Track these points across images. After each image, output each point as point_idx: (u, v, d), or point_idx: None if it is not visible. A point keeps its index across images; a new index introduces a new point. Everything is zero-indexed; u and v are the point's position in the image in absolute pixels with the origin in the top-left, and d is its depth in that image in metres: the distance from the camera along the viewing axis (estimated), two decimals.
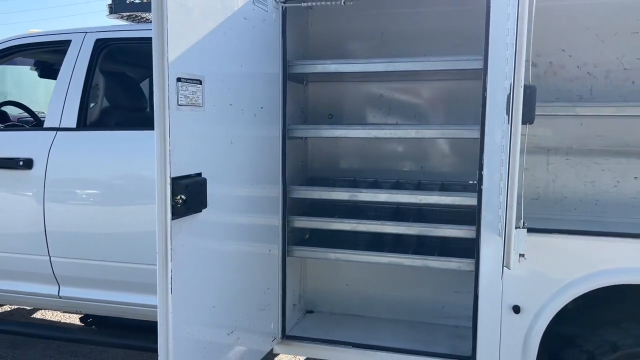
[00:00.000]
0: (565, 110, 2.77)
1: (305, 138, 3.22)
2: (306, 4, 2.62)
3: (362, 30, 3.18)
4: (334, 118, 3.30)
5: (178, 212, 1.78)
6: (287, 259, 2.90)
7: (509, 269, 1.78)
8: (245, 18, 2.21)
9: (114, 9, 3.72)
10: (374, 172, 3.28)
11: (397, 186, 3.10)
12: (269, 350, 2.70)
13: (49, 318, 4.63)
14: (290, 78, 2.85)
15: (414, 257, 2.71)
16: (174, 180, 1.76)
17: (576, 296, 2.40)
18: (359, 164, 3.32)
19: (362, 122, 3.22)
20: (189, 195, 1.80)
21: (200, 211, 1.93)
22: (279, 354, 3.32)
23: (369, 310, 3.32)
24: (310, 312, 3.39)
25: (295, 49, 2.97)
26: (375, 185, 3.18)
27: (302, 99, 3.20)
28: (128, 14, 3.75)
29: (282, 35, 2.64)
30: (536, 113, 2.74)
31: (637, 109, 2.60)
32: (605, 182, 2.89)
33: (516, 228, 1.78)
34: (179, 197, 1.76)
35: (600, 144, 2.89)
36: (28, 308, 4.64)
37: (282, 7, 2.61)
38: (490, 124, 2.22)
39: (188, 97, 1.82)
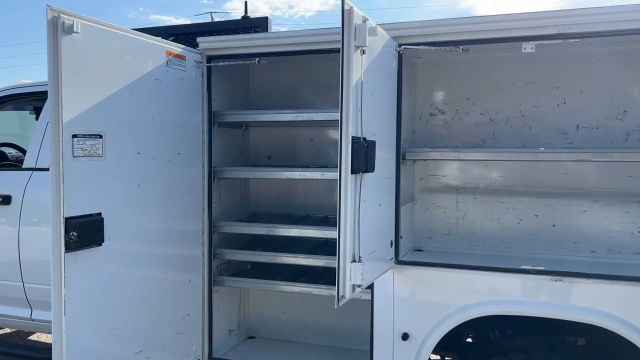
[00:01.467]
0: (471, 155, 3.02)
1: (245, 178, 3.56)
2: (224, 63, 2.99)
3: (295, 81, 3.54)
4: (272, 159, 3.64)
5: (71, 246, 2.14)
6: (219, 288, 3.23)
7: (345, 298, 2.04)
8: (156, 79, 2.59)
9: None
10: (307, 208, 3.58)
11: (322, 221, 3.39)
12: None
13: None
14: (224, 125, 3.22)
15: (321, 287, 2.99)
16: (68, 220, 2.12)
17: (456, 324, 2.62)
18: (295, 200, 3.63)
19: (293, 164, 3.53)
20: (82, 232, 2.15)
21: (100, 245, 2.28)
22: None
23: (303, 336, 3.58)
24: (252, 337, 3.67)
25: (233, 98, 3.35)
26: (305, 220, 3.47)
27: (241, 142, 3.56)
28: None
29: (208, 89, 3.02)
30: (447, 158, 3.05)
31: (533, 154, 2.82)
32: (509, 219, 3.11)
33: (352, 262, 2.05)
34: (71, 233, 2.12)
35: (503, 185, 3.12)
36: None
37: (206, 66, 2.99)
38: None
39: (86, 149, 2.19)
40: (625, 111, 2.89)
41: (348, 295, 2.04)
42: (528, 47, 2.52)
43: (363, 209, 2.15)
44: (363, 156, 2.05)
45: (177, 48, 2.76)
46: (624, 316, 2.38)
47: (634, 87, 2.87)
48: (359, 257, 2.08)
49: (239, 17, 3.68)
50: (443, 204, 3.23)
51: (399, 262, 2.72)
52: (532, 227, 3.07)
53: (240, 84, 3.45)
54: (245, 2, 3.55)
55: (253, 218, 3.62)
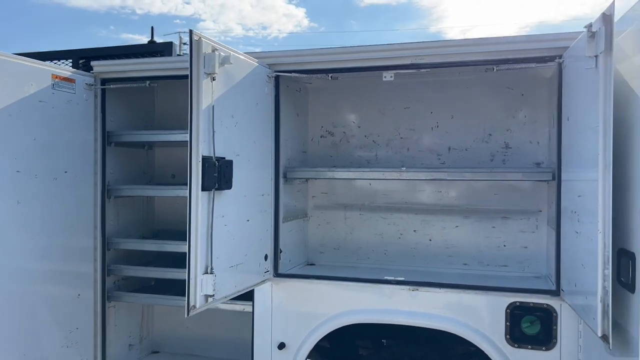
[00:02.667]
0: (356, 175, 3.21)
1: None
2: (116, 86, 3.13)
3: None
4: (176, 177, 3.77)
5: None
6: (116, 303, 3.33)
7: (196, 307, 2.18)
8: (40, 101, 2.72)
9: None
10: None
11: None
12: None
13: None
14: (122, 145, 3.35)
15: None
16: None
17: (326, 333, 2.78)
18: None
19: None
20: None
21: None
22: None
23: (206, 350, 3.68)
24: (156, 352, 3.76)
25: (135, 119, 3.48)
26: None
27: (145, 162, 3.69)
28: None
29: (102, 110, 3.15)
30: (337, 177, 3.22)
31: (413, 174, 3.02)
32: (391, 234, 3.31)
33: (204, 274, 2.20)
34: None
35: (385, 202, 3.33)
36: None
37: (100, 88, 3.13)
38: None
39: None
40: (490, 134, 3.14)
41: (199, 304, 2.18)
42: (387, 76, 2.74)
43: (221, 223, 2.31)
44: (215, 174, 2.21)
45: (65, 71, 2.89)
46: (470, 322, 2.58)
47: (498, 112, 3.13)
48: (212, 269, 2.22)
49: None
50: (333, 220, 3.42)
51: (277, 275, 2.88)
52: (411, 242, 3.28)
53: (143, 105, 3.59)
54: (152, 28, 3.72)
55: (157, 235, 3.73)
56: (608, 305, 1.80)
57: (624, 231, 1.93)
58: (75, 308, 2.99)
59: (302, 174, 3.19)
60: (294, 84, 3.11)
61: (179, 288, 3.34)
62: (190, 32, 2.13)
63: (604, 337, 1.82)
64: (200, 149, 2.16)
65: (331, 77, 2.83)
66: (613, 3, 1.80)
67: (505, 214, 3.11)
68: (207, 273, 2.20)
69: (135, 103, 3.39)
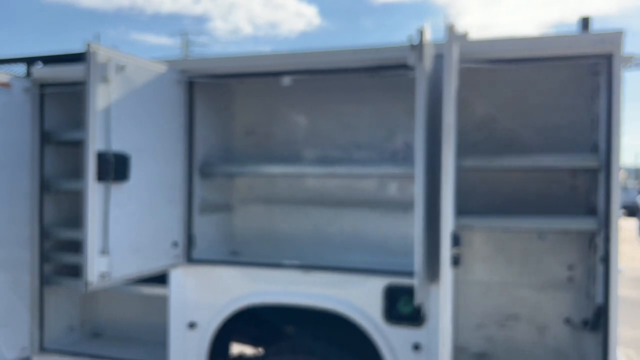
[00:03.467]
0: (275, 170, 3.49)
1: None
2: (52, 91, 3.45)
3: None
4: None
5: None
6: (56, 287, 3.63)
7: (93, 284, 2.47)
8: None
9: None
10: None
11: None
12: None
13: None
14: (62, 143, 3.64)
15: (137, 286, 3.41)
16: None
17: (231, 313, 3.06)
18: None
19: None
20: None
21: None
22: None
23: (143, 334, 3.97)
24: (98, 334, 4.05)
25: (74, 120, 3.76)
26: None
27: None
28: None
29: (40, 112, 3.46)
30: (259, 173, 3.50)
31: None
32: (307, 226, 3.59)
33: (100, 255, 2.49)
34: None
35: (304, 196, 3.60)
36: None
37: (38, 93, 3.45)
38: None
39: None
40: (393, 133, 3.42)
41: (96, 282, 2.48)
42: (286, 81, 3.03)
43: (119, 211, 2.61)
44: (111, 167, 2.51)
45: (2, 76, 3.21)
46: (352, 301, 2.86)
47: (399, 112, 3.39)
48: (107, 250, 2.52)
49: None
50: (258, 213, 3.70)
51: (189, 260, 3.18)
52: (326, 233, 3.55)
53: (80, 107, 3.89)
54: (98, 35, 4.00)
55: None
56: (422, 280, 2.08)
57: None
58: (11, 291, 3.30)
59: (223, 169, 3.48)
60: (218, 86, 3.41)
61: None
62: (88, 45, 2.44)
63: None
64: (95, 145, 2.46)
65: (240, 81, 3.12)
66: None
67: (407, 207, 3.36)
68: (103, 253, 2.50)
69: (74, 105, 3.67)
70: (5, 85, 3.23)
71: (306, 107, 3.59)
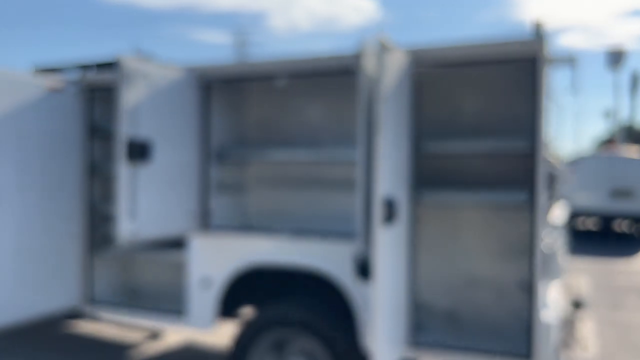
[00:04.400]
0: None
1: None
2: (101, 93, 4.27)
3: None
4: None
5: None
6: (102, 255, 4.47)
7: (124, 238, 3.22)
8: (33, 104, 3.88)
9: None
10: None
11: None
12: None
13: None
14: (108, 135, 4.47)
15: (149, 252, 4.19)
16: None
17: (236, 273, 3.77)
18: None
19: None
20: None
21: None
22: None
23: (167, 292, 4.74)
24: (134, 295, 4.86)
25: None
26: None
27: None
28: None
29: (89, 109, 4.29)
30: (266, 159, 4.20)
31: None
32: (307, 202, 4.26)
33: (129, 217, 3.24)
34: None
35: (307, 178, 4.27)
36: None
37: (87, 93, 4.27)
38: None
39: None
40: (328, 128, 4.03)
41: (128, 237, 3.25)
42: (281, 82, 3.71)
43: (144, 185, 3.37)
44: (137, 151, 3.27)
45: (54, 82, 4.04)
46: (331, 262, 3.50)
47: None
48: (135, 214, 3.28)
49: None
50: (266, 192, 4.40)
51: (205, 228, 3.92)
52: (318, 207, 4.20)
53: None
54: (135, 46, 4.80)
55: None
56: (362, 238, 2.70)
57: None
58: (67, 255, 4.15)
59: (236, 155, 4.19)
60: (232, 86, 4.13)
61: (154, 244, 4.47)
62: (118, 57, 3.20)
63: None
64: (125, 133, 3.23)
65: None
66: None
67: None
68: (132, 217, 3.26)
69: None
70: (57, 89, 4.05)
71: (301, 103, 4.23)
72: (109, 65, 4.32)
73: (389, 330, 2.84)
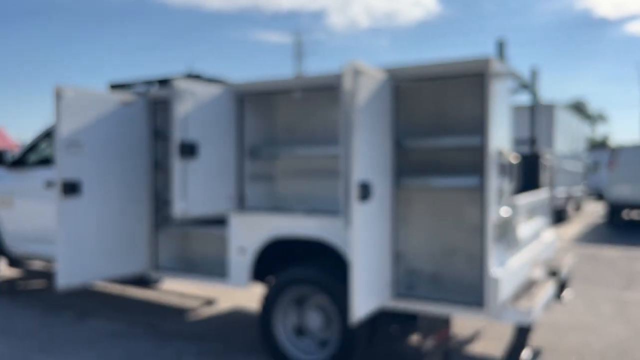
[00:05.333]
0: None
1: None
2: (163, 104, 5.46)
3: None
4: None
5: (66, 193, 4.68)
6: (165, 230, 5.68)
7: (177, 214, 4.36)
8: (115, 113, 5.12)
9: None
10: None
11: None
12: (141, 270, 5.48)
13: None
14: (165, 137, 5.69)
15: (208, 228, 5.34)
16: (64, 182, 4.67)
17: (265, 242, 4.85)
18: None
19: None
20: (71, 187, 4.69)
21: (80, 194, 4.81)
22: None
23: (217, 260, 5.91)
24: (191, 265, 6.07)
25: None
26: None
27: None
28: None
29: (152, 117, 5.51)
30: (289, 155, 5.28)
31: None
32: (321, 187, 5.28)
33: (181, 198, 4.38)
34: (66, 186, 4.66)
35: (311, 170, 5.30)
36: None
37: (153, 105, 5.48)
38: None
39: (75, 151, 4.74)
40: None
41: (180, 213, 4.40)
42: (297, 95, 4.74)
43: (193, 175, 4.50)
44: (187, 149, 4.41)
45: (126, 97, 5.27)
46: (331, 233, 4.51)
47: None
48: (187, 197, 4.42)
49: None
50: (288, 182, 5.46)
51: (241, 209, 5.03)
52: (332, 192, 5.23)
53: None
54: (189, 66, 5.99)
55: None
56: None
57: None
58: (137, 231, 5.38)
59: (267, 151, 5.28)
60: (263, 97, 5.21)
61: (204, 223, 5.64)
62: (172, 80, 4.34)
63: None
64: (178, 137, 4.37)
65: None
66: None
67: None
68: (183, 198, 4.41)
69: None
70: (128, 103, 5.27)
71: (317, 109, 5.27)
72: (167, 82, 5.51)
73: (365, 284, 3.81)
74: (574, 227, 16.23)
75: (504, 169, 4.16)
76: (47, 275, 8.40)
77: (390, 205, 4.25)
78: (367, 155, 3.79)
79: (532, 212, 5.20)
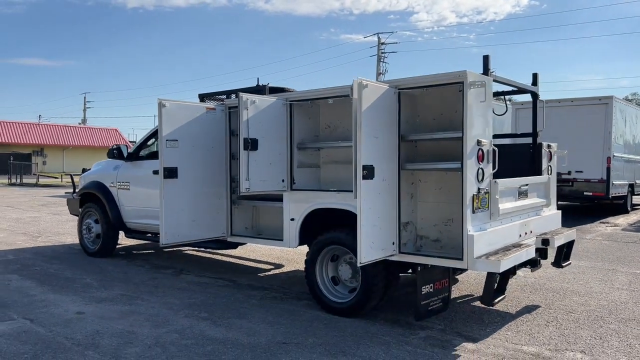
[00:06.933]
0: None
1: None
2: (232, 111, 7.22)
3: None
4: None
5: (166, 177, 6.54)
6: (238, 205, 7.44)
7: (241, 191, 6.01)
8: (201, 119, 6.92)
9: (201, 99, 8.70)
10: None
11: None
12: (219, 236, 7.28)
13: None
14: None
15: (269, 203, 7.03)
16: (164, 168, 6.54)
17: (309, 212, 6.42)
18: None
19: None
20: (170, 172, 6.55)
21: (176, 177, 6.67)
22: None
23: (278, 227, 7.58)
24: (260, 234, 7.78)
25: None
26: None
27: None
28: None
29: (229, 122, 7.26)
30: (330, 146, 6.83)
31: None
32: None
33: (245, 180, 6.03)
34: (166, 172, 6.52)
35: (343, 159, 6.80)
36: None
37: (228, 112, 7.24)
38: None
39: (173, 146, 6.58)
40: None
41: (243, 190, 6.09)
42: (330, 101, 6.27)
43: (254, 164, 6.18)
44: (249, 144, 6.09)
45: (210, 105, 7.05)
46: (351, 205, 5.98)
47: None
48: (248, 179, 6.11)
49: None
50: (328, 169, 6.99)
51: (291, 189, 6.65)
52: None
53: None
54: (257, 79, 7.71)
55: None
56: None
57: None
58: (217, 207, 7.17)
59: (312, 145, 6.84)
60: (307, 105, 6.78)
61: (268, 199, 7.33)
62: (237, 94, 6.02)
63: None
64: (243, 135, 6.06)
65: (310, 103, 6.47)
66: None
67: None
68: (247, 180, 6.09)
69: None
70: (211, 110, 7.05)
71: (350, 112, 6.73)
72: (242, 91, 7.23)
73: (369, 239, 5.21)
74: (633, 216, 16.45)
75: (483, 155, 5.43)
76: (154, 243, 10.53)
77: (397, 184, 5.65)
78: (371, 146, 5.23)
79: (524, 192, 6.36)
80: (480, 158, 5.38)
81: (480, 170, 5.38)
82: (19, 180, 34.22)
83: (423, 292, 5.42)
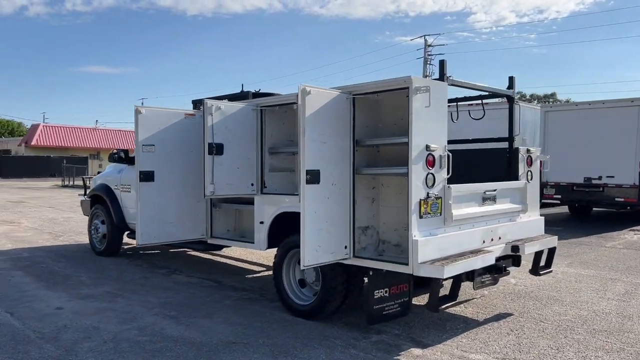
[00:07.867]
0: None
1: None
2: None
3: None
4: None
5: (142, 180, 6.84)
6: (218, 208, 7.67)
7: (206, 195, 6.20)
8: (181, 124, 7.19)
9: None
10: None
11: None
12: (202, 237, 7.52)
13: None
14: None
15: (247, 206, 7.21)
16: (140, 172, 6.84)
17: (275, 216, 6.56)
18: None
19: None
20: (146, 175, 6.85)
21: (153, 181, 6.96)
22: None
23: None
24: (243, 237, 7.97)
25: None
26: None
27: None
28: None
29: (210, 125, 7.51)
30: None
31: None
32: None
33: (210, 184, 6.22)
34: (142, 175, 6.82)
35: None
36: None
37: (210, 115, 7.49)
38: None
39: (149, 151, 6.88)
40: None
41: (208, 194, 6.29)
42: (294, 106, 6.38)
43: (218, 167, 6.37)
44: (213, 149, 6.28)
45: (189, 111, 7.30)
46: None
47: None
48: (213, 182, 6.30)
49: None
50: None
51: (262, 193, 6.80)
52: None
53: None
54: (242, 85, 7.93)
55: None
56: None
57: None
58: (200, 209, 7.42)
59: (285, 149, 6.97)
60: (282, 110, 6.92)
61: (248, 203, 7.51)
62: (204, 100, 6.23)
63: None
64: (207, 140, 6.26)
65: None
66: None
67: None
68: (211, 184, 6.29)
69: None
70: (190, 116, 7.31)
71: None
72: (228, 97, 7.45)
73: (314, 243, 5.26)
74: None
75: (434, 160, 5.39)
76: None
77: (350, 188, 5.69)
78: (316, 151, 5.30)
79: (491, 197, 6.22)
80: (430, 163, 5.34)
81: (430, 175, 5.34)
82: (71, 183, 36.09)
83: (376, 297, 5.42)
